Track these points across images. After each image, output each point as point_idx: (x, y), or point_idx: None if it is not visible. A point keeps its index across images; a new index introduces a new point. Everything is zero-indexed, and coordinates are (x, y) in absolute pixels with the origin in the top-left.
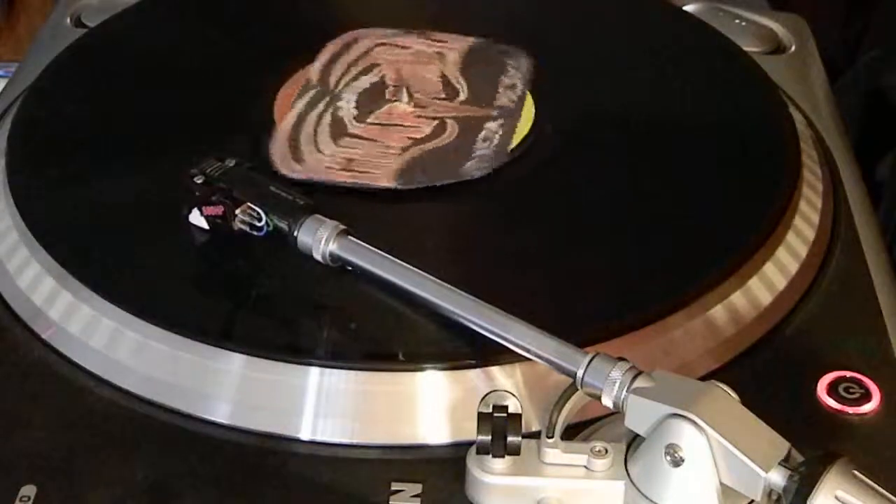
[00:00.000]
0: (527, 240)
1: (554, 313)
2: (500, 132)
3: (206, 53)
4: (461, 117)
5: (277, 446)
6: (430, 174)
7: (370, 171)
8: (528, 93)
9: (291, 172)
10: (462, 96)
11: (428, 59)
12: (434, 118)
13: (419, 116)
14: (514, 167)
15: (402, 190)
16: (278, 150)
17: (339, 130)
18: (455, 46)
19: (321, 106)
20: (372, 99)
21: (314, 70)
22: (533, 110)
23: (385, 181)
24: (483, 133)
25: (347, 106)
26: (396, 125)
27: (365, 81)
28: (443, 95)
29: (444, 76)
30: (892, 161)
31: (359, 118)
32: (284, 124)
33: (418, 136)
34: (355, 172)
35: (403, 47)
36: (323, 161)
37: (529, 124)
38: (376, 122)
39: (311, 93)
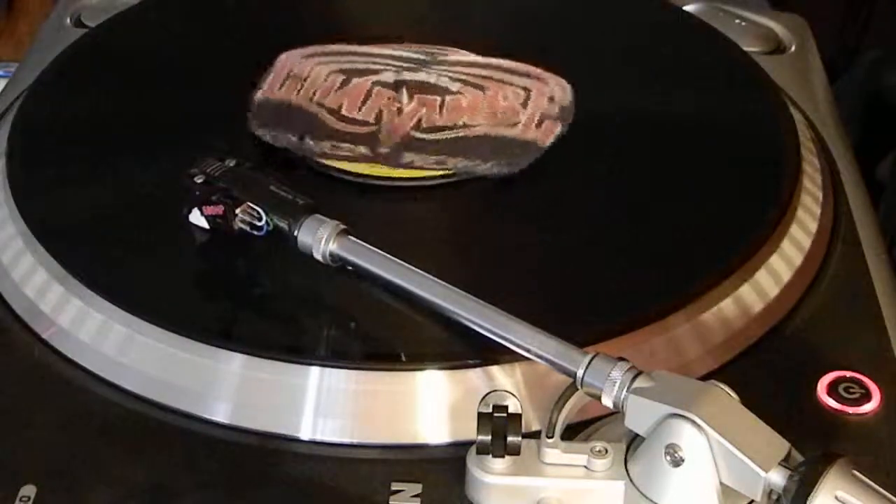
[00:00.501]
0: (527, 239)
1: (554, 313)
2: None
3: (207, 53)
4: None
5: (277, 446)
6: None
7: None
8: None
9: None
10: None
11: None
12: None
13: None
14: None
15: (406, 187)
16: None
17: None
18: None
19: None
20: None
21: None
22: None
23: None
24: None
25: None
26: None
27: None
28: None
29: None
30: (892, 161)
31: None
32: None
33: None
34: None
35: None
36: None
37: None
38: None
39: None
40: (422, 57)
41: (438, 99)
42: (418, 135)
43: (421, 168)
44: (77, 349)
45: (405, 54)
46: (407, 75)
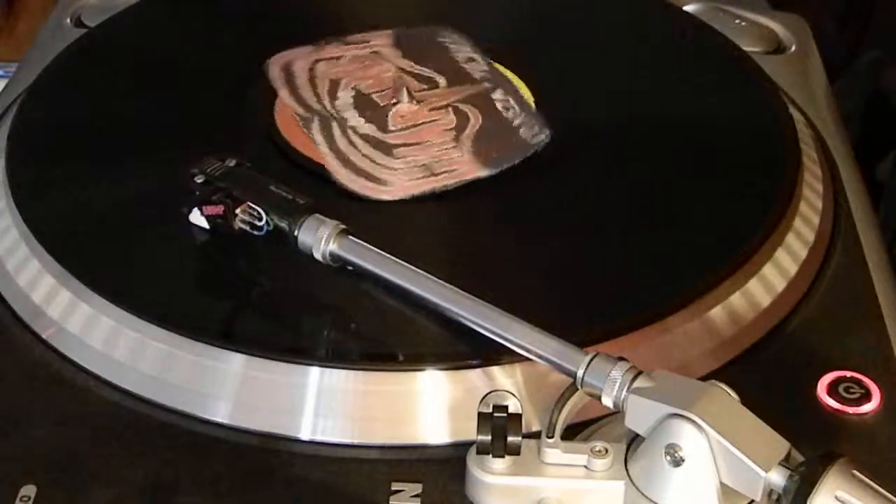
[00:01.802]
0: (527, 240)
1: (554, 313)
2: (511, 98)
3: (206, 53)
4: (465, 98)
5: (277, 446)
6: (503, 153)
7: (455, 169)
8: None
9: (388, 196)
10: (442, 81)
11: (370, 61)
12: (443, 107)
13: (432, 109)
14: (513, 168)
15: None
16: (355, 182)
17: (382, 146)
18: (383, 42)
19: (337, 130)
20: (371, 109)
21: (288, 99)
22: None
23: (477, 172)
24: (500, 105)
25: (360, 122)
26: (423, 124)
27: (346, 97)
28: (426, 86)
29: (402, 70)
30: (892, 161)
31: (383, 129)
32: (328, 158)
33: (453, 127)
34: (444, 174)
35: (339, 58)
36: (403, 176)
37: (524, 86)
38: (403, 127)
39: (316, 121)
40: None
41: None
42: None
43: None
44: (77, 349)
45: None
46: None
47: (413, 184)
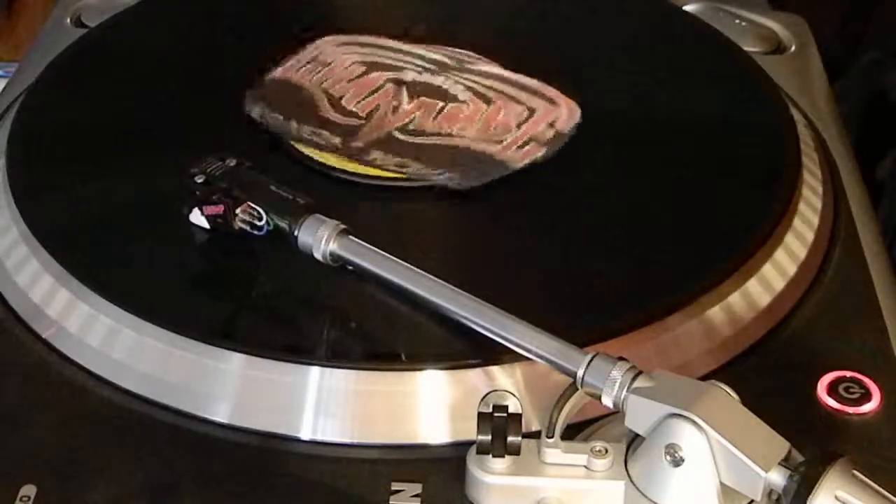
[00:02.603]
0: (527, 240)
1: (554, 313)
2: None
3: (206, 53)
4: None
5: (277, 446)
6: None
7: (554, 119)
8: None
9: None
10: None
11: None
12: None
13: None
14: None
15: (403, 188)
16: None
17: (454, 138)
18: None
19: (404, 136)
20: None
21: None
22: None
23: (518, 161)
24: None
25: (396, 119)
26: (447, 110)
27: (354, 109)
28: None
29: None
30: (892, 161)
31: (403, 129)
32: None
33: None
34: (545, 128)
35: (327, 65)
36: (515, 148)
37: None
38: (434, 116)
39: (327, 147)
40: (448, 62)
41: (439, 104)
42: (399, 135)
43: (380, 167)
44: (77, 349)
45: (435, 56)
46: (424, 77)
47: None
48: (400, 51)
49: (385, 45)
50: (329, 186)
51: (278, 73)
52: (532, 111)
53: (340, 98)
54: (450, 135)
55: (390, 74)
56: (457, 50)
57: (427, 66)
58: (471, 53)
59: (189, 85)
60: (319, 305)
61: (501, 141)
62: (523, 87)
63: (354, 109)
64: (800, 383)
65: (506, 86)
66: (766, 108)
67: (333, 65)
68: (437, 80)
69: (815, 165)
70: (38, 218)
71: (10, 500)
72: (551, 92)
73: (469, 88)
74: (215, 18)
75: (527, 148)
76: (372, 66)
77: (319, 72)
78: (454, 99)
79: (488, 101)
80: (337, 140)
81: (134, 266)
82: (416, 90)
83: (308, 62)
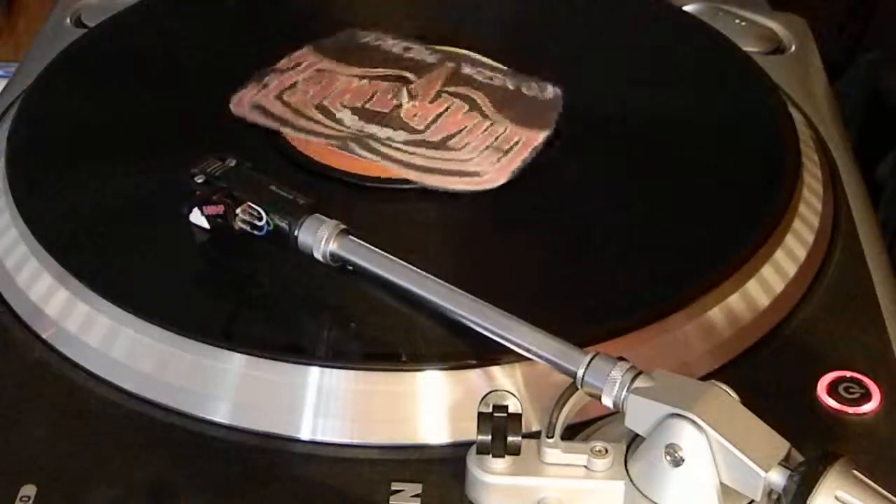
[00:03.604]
0: (527, 240)
1: (554, 313)
2: (482, 68)
3: (206, 53)
4: (447, 81)
5: (277, 446)
6: (536, 115)
7: (518, 139)
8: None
9: (492, 183)
10: (410, 76)
11: (329, 79)
12: (436, 96)
13: (431, 102)
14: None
15: (403, 189)
16: (454, 182)
17: (434, 145)
18: (312, 60)
19: (380, 146)
20: (382, 119)
21: (300, 135)
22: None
23: (539, 136)
24: (480, 77)
25: (389, 132)
26: (440, 116)
27: (347, 116)
28: (400, 83)
29: (362, 77)
30: (893, 161)
31: (414, 132)
32: (406, 171)
33: (469, 108)
34: (516, 147)
35: (293, 85)
36: (486, 163)
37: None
38: (427, 124)
39: (352, 143)
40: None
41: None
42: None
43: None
44: (77, 349)
45: (432, 60)
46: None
47: (501, 164)
48: (401, 56)
49: (380, 51)
50: (329, 186)
51: (262, 95)
52: (515, 142)
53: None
54: (425, 142)
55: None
56: (467, 53)
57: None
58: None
59: (189, 85)
60: (319, 305)
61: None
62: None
63: (351, 105)
64: (800, 383)
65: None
66: (766, 109)
67: (332, 83)
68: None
69: (815, 165)
70: (37, 218)
71: (10, 500)
72: (542, 120)
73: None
74: (215, 18)
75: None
76: (376, 79)
77: (314, 90)
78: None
79: (484, 117)
80: (327, 123)
81: (134, 266)
82: (417, 93)
83: (300, 80)
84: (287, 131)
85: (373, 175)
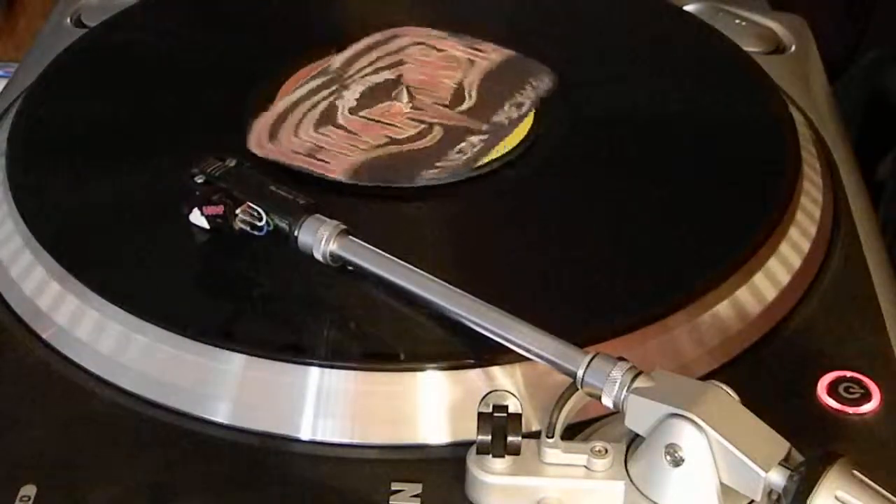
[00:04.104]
0: (527, 240)
1: (554, 313)
2: (478, 147)
3: (207, 53)
4: (450, 126)
5: (277, 446)
6: (384, 175)
7: (327, 162)
8: (532, 111)
9: (258, 150)
10: (464, 106)
11: (455, 65)
12: (423, 122)
13: (411, 118)
14: (513, 166)
15: (403, 188)
16: (258, 128)
17: (326, 118)
18: (490, 57)
19: (324, 93)
20: (376, 94)
21: (338, 58)
22: (529, 124)
23: (337, 174)
24: (462, 145)
25: (350, 97)
26: (383, 122)
27: (381, 76)
28: (446, 102)
29: (460, 84)
30: (893, 161)
31: (353, 110)
32: (280, 104)
33: (397, 137)
34: (313, 160)
35: (439, 49)
36: (293, 145)
37: (518, 140)
38: (367, 116)
39: (322, 79)
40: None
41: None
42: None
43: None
44: (77, 349)
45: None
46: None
47: (288, 154)
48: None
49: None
50: (329, 187)
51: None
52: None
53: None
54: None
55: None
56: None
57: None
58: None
59: (189, 85)
60: (319, 305)
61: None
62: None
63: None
64: (800, 383)
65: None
66: (766, 109)
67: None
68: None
69: (815, 165)
70: (38, 218)
71: (10, 500)
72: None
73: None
74: (215, 18)
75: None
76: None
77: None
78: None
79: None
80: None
81: (134, 266)
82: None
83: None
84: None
85: None
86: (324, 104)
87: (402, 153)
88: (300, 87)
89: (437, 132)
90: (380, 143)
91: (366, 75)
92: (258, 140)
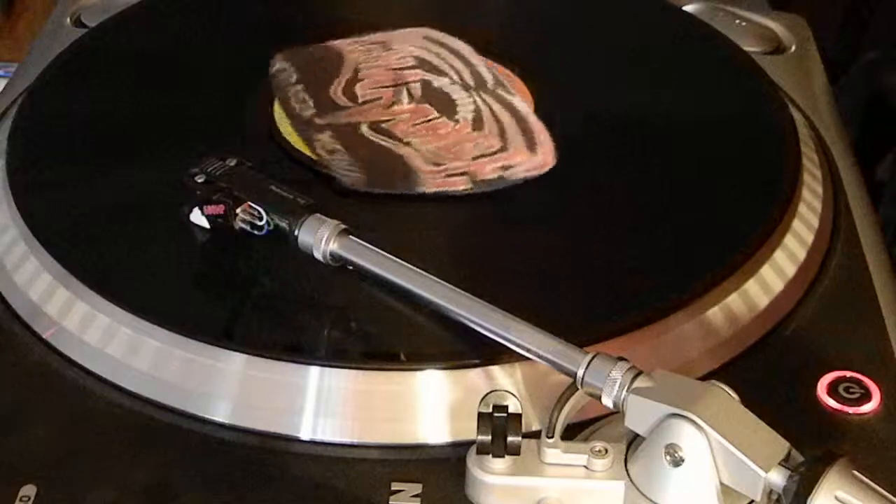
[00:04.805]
0: (527, 240)
1: (554, 313)
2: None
3: (206, 53)
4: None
5: (277, 446)
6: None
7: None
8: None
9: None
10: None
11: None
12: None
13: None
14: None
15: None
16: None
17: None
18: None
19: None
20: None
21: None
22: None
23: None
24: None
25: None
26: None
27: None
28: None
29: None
30: (892, 161)
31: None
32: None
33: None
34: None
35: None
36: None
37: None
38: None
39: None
40: (488, 80)
41: (432, 115)
42: (364, 128)
43: (312, 148)
44: (77, 349)
45: (483, 72)
46: (450, 87)
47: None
48: (461, 57)
49: (453, 49)
50: (329, 187)
51: (335, 42)
52: (502, 149)
53: (359, 80)
54: (407, 143)
55: (423, 75)
56: (505, 72)
57: (465, 79)
58: (510, 75)
59: (189, 85)
60: (319, 305)
61: (441, 164)
62: (522, 123)
63: (357, 93)
64: (800, 383)
65: (509, 117)
66: (766, 108)
67: (390, 52)
68: (457, 94)
69: (815, 165)
70: (38, 218)
71: (10, 500)
72: (543, 138)
73: (476, 110)
74: (215, 18)
75: (454, 178)
76: (420, 63)
77: (371, 52)
78: (452, 114)
79: (479, 127)
80: (309, 112)
81: (134, 266)
82: (425, 95)
83: (375, 42)
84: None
85: None
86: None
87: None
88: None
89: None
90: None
91: (345, 97)
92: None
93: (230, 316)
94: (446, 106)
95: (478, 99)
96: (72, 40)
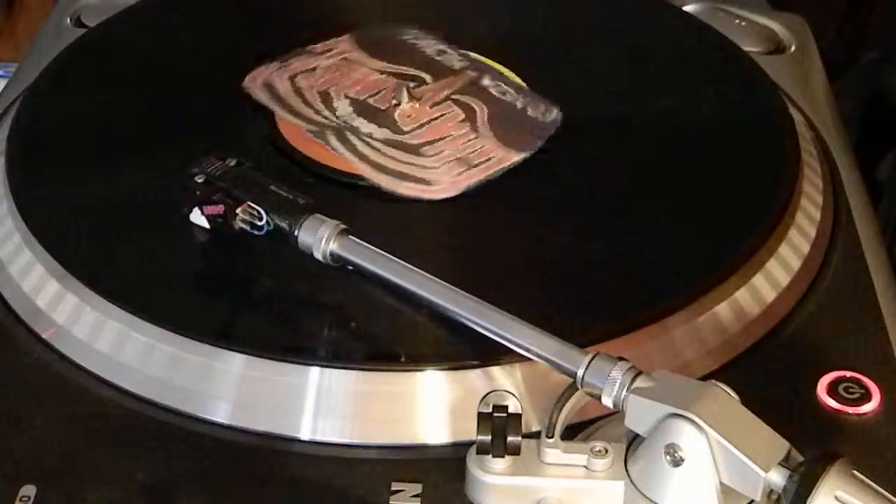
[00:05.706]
0: (527, 240)
1: (554, 313)
2: (501, 82)
3: (206, 53)
4: (459, 89)
5: (277, 446)
6: (524, 135)
7: (491, 157)
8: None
9: (442, 194)
10: (427, 77)
11: (348, 67)
12: (442, 101)
13: (433, 106)
14: (513, 167)
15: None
16: (401, 186)
17: (407, 147)
18: (345, 47)
19: (355, 139)
20: (374, 114)
21: (287, 117)
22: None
23: (513, 157)
24: (495, 90)
25: (373, 128)
26: (432, 120)
27: (344, 106)
28: (414, 83)
29: (381, 71)
30: (892, 161)
31: (398, 131)
32: (362, 167)
33: (463, 118)
34: (484, 164)
35: (313, 69)
36: (444, 173)
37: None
38: (415, 126)
39: (329, 132)
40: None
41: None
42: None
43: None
44: (77, 349)
45: (458, 64)
46: (435, 84)
47: (460, 178)
48: (424, 55)
49: (413, 45)
50: (329, 187)
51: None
52: (487, 158)
53: (348, 87)
54: (403, 144)
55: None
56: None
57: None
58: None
59: (188, 85)
60: (319, 305)
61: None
62: (509, 122)
63: (354, 96)
64: (800, 383)
65: (498, 116)
66: (766, 109)
67: (353, 74)
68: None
69: (815, 165)
70: (38, 218)
71: (10, 500)
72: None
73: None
74: (215, 18)
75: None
76: (393, 76)
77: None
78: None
79: (474, 131)
80: (309, 112)
81: (134, 266)
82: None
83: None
84: (278, 110)
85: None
86: (374, 144)
87: (498, 121)
88: (330, 144)
89: (470, 99)
90: (467, 130)
91: (338, 112)
92: (424, 192)
93: (230, 316)
94: (442, 105)
95: (468, 97)
96: (72, 40)
